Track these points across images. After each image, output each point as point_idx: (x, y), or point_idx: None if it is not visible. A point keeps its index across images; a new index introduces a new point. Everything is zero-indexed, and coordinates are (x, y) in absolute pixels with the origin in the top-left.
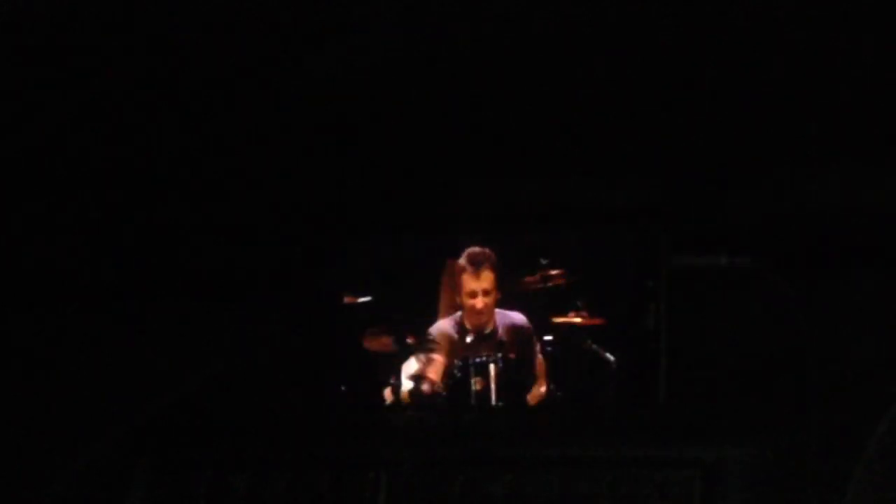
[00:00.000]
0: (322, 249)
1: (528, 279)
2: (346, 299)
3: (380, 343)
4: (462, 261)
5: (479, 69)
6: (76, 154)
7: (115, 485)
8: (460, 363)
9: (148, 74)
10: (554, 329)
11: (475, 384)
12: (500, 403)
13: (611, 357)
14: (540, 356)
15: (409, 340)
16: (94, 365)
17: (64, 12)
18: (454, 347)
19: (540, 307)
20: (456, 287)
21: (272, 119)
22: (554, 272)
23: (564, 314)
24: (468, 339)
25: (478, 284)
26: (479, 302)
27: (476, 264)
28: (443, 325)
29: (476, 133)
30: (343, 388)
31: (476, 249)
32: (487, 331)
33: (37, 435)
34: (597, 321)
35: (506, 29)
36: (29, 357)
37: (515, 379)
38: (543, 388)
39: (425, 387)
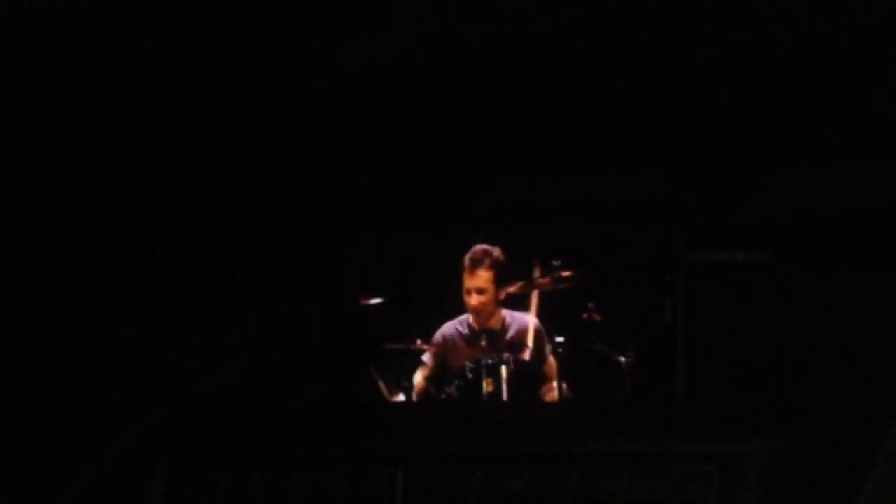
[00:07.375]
0: (340, 248)
1: (541, 281)
2: (362, 301)
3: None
4: (465, 259)
5: (494, 66)
6: (100, 150)
7: (134, 482)
8: (472, 365)
9: (166, 68)
10: (566, 330)
11: (486, 385)
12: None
13: (622, 359)
14: (551, 357)
15: (419, 343)
16: (113, 362)
17: None
18: (462, 348)
19: (552, 308)
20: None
21: (288, 116)
22: (566, 273)
23: (577, 315)
24: (482, 342)
25: (472, 282)
26: (474, 300)
27: (473, 262)
28: (448, 327)
29: (490, 129)
30: (360, 385)
31: (479, 248)
32: (497, 331)
33: (56, 433)
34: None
35: (521, 24)
36: (47, 355)
37: (527, 381)
38: (555, 391)
39: (432, 389)
